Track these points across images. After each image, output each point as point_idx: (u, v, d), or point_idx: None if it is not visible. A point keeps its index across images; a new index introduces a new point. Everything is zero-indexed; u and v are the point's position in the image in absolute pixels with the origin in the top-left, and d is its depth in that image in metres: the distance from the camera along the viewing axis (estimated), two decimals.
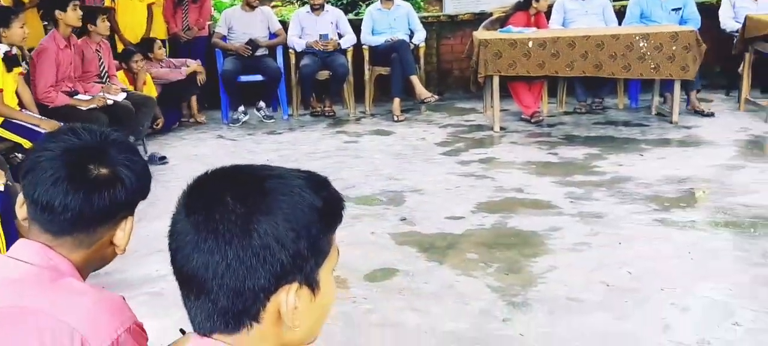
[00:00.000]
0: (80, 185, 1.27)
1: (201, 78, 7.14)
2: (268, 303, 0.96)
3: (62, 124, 5.01)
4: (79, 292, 1.25)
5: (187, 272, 0.97)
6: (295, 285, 0.96)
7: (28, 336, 1.18)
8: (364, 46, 7.50)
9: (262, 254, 0.93)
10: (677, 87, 6.41)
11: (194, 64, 7.13)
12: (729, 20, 7.09)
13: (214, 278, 0.94)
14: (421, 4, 11.17)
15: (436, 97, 7.28)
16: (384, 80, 7.48)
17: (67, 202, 1.27)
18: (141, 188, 1.35)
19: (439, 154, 5.96)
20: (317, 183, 1.00)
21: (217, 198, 0.95)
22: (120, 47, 7.08)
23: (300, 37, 7.46)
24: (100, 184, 1.28)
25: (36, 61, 5.46)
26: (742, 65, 6.78)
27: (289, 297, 0.96)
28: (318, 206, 0.97)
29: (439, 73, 8.30)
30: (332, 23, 7.55)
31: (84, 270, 1.34)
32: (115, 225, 1.34)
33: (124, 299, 1.31)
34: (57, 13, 5.49)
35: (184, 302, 1.01)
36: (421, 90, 7.12)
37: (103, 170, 1.29)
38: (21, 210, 1.34)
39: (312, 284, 0.98)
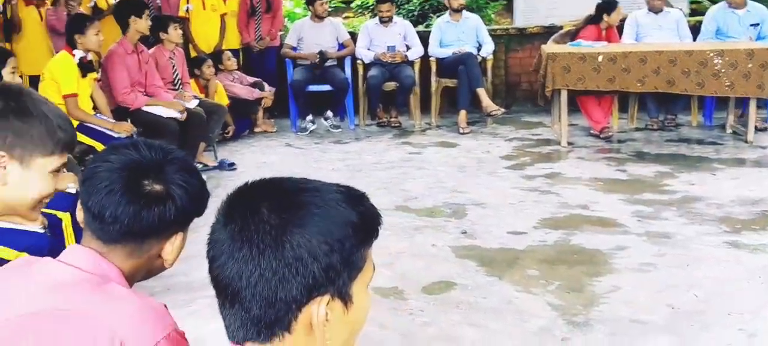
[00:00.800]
0: (132, 198, 1.31)
1: (267, 103, 7.35)
2: (300, 314, 0.97)
3: (135, 128, 5.19)
4: (122, 298, 1.28)
5: (222, 281, 0.99)
6: (326, 297, 0.97)
7: (70, 339, 1.21)
8: (431, 58, 7.51)
9: (295, 266, 0.95)
10: (752, 105, 6.20)
11: (267, 91, 7.28)
12: None
13: (248, 287, 0.96)
14: (492, 16, 11.12)
15: (503, 110, 7.23)
16: (451, 92, 7.47)
17: (117, 213, 1.30)
18: (194, 208, 1.37)
19: (503, 167, 5.91)
20: (354, 198, 1.02)
21: (253, 209, 0.98)
22: (192, 55, 7.28)
23: (368, 49, 7.52)
24: (151, 200, 1.31)
25: (107, 66, 5.64)
26: None
27: (320, 309, 0.97)
28: (353, 220, 0.99)
29: (506, 86, 8.25)
30: (400, 35, 7.60)
31: (131, 279, 1.38)
32: (165, 239, 1.37)
33: (166, 306, 1.34)
34: (132, 18, 5.65)
35: (220, 310, 1.03)
36: (487, 103, 7.08)
37: (157, 187, 1.32)
38: (80, 213, 1.39)
39: (344, 298, 0.99)
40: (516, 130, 7.20)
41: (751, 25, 6.77)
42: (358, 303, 1.01)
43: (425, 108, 7.53)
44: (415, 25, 8.26)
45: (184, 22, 7.13)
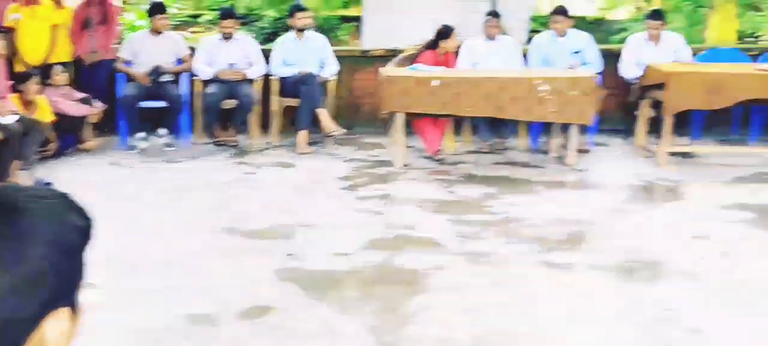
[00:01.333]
0: None
1: (93, 119, 7.01)
2: (34, 332, 0.89)
3: None
4: None
5: None
6: (65, 309, 0.92)
7: None
8: (272, 77, 7.44)
9: (34, 280, 0.87)
10: (574, 131, 6.55)
11: (97, 108, 6.96)
12: (631, 67, 7.26)
13: None
14: (344, 37, 11.23)
15: (344, 131, 7.26)
16: (294, 112, 7.43)
17: None
18: None
19: (338, 188, 5.92)
20: (75, 204, 0.97)
21: None
22: (18, 69, 6.85)
23: (209, 65, 7.36)
24: None
25: None
26: (638, 111, 6.97)
27: (60, 322, 0.91)
28: (82, 226, 0.95)
29: (349, 107, 8.30)
30: (243, 52, 7.49)
31: None
32: None
33: None
34: None
35: None
36: (327, 123, 7.10)
37: None
38: None
39: (75, 308, 0.95)
40: (356, 151, 7.25)
41: (574, 52, 7.17)
42: (79, 311, 0.97)
43: (267, 127, 7.44)
44: (266, 43, 8.15)
45: (9, 33, 6.73)
